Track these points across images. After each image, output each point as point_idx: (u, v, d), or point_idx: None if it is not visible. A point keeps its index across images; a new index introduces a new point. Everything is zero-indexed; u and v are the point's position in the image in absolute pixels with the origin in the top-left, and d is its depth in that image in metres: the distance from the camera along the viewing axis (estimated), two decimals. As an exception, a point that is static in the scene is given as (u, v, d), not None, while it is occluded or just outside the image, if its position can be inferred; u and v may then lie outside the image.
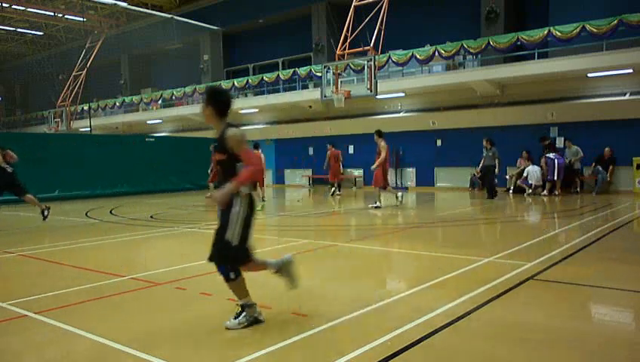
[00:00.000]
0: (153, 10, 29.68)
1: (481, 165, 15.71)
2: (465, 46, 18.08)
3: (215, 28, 29.53)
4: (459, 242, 8.12)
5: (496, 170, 14.99)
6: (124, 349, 3.51)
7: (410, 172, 21.73)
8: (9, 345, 3.74)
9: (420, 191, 20.35)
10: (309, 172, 24.99)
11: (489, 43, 17.60)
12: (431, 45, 19.09)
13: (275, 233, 9.83)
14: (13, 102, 45.61)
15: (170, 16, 29.17)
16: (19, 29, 34.05)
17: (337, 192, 18.46)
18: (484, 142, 15.33)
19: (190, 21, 28.68)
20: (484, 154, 15.34)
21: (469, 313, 4.15)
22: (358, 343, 3.49)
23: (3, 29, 33.92)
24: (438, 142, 20.70)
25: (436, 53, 18.65)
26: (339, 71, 17.41)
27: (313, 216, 12.37)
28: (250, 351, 3.39)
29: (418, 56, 19.11)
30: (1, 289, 5.44)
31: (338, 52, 17.43)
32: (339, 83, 17.20)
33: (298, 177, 25.37)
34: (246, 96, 26.91)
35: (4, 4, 27.63)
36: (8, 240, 8.90)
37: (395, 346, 3.44)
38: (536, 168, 16.46)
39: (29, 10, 29.07)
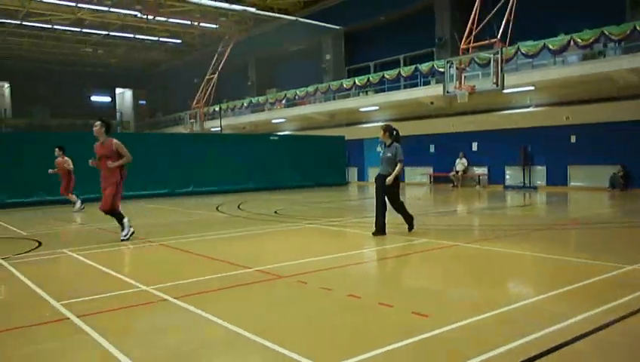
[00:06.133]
0: (279, 13, 30.91)
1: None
2: (606, 33, 16.51)
3: (337, 27, 30.02)
4: (595, 247, 7.46)
5: (390, 178, 8.25)
6: (252, 338, 3.70)
7: (540, 170, 20.37)
8: (152, 325, 4.16)
9: (550, 190, 19.00)
10: (429, 170, 24.52)
11: (635, 28, 15.88)
12: (565, 34, 17.71)
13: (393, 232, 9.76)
14: (154, 105, 50.41)
15: (294, 18, 30.20)
16: (161, 39, 37.43)
17: (78, 207, 13.64)
18: (381, 134, 8.71)
19: (313, 22, 29.45)
20: (381, 155, 8.78)
21: (607, 325, 3.80)
22: (481, 348, 3.35)
23: (148, 40, 37.51)
24: (572, 139, 19.17)
25: (571, 43, 17.27)
26: (463, 65, 16.86)
27: (433, 215, 12.11)
28: (367, 349, 3.40)
29: (550, 47, 17.84)
30: (146, 274, 6.03)
31: (462, 46, 16.87)
32: (462, 78, 16.66)
33: (418, 175, 25.01)
34: (367, 94, 27.01)
35: (149, 17, 30.52)
36: (151, 231, 9.81)
37: (520, 355, 3.25)
38: None
39: (169, 20, 31.84)
